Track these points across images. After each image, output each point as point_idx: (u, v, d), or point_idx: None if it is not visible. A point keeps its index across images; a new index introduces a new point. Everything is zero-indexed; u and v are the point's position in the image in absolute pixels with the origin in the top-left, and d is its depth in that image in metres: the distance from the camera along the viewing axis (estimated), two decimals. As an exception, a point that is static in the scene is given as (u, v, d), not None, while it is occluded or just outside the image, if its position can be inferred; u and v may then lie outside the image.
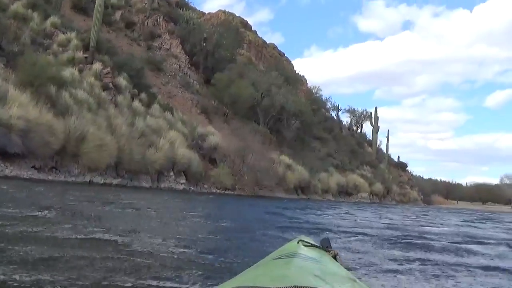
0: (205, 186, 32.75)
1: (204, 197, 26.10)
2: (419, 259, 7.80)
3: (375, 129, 77.64)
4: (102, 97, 28.97)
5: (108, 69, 31.83)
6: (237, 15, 76.63)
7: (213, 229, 10.21)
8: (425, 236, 12.24)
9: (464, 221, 24.56)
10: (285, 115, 51.21)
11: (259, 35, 79.12)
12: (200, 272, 5.20)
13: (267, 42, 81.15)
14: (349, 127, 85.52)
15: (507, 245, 11.36)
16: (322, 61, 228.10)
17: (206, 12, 72.18)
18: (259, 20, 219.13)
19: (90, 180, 23.75)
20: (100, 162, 24.13)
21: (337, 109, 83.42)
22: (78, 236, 6.88)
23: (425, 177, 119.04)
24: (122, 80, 32.70)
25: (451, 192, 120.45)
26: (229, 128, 42.78)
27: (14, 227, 6.98)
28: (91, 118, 25.20)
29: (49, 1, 35.77)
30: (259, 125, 47.93)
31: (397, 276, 6.32)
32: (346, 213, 23.30)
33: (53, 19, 33.54)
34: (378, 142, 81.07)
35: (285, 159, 43.24)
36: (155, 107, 34.26)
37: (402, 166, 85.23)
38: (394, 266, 7.05)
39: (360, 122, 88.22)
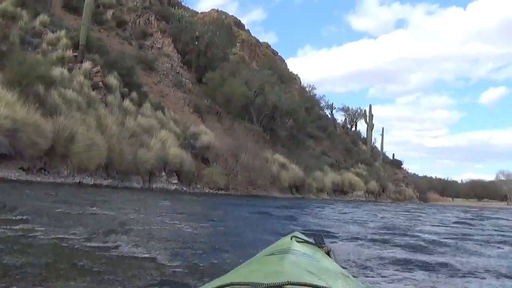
0: (198, 186, 32.28)
1: (195, 198, 25.62)
2: (418, 260, 7.49)
3: (370, 127, 77.26)
4: (92, 96, 28.44)
5: (98, 67, 31.34)
6: (230, 14, 76.29)
7: (195, 232, 9.69)
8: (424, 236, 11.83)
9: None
10: (278, 113, 50.72)
11: (252, 34, 78.79)
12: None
13: (261, 41, 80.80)
14: (344, 125, 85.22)
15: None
16: (316, 60, 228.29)
17: (199, 12, 71.76)
18: (252, 19, 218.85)
19: (80, 181, 23.29)
20: (90, 162, 23.65)
21: (331, 107, 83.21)
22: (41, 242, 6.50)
23: (420, 174, 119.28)
24: (112, 79, 32.12)
25: (446, 189, 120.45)
26: (222, 127, 42.42)
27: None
28: (81, 118, 24.71)
29: (39, 0, 35.19)
30: (252, 124, 47.52)
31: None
32: (341, 212, 22.87)
33: (43, 17, 33.16)
34: (373, 140, 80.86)
35: (279, 158, 42.87)
36: (146, 106, 33.75)
37: (397, 163, 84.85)
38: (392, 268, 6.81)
39: (354, 120, 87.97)
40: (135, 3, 51.67)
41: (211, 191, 32.45)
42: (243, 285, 1.51)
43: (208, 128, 37.28)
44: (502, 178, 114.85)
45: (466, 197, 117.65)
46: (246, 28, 78.89)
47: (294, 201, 33.89)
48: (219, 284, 1.55)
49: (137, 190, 25.66)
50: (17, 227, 7.44)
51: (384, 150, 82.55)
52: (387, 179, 69.70)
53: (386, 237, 10.57)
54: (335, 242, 9.20)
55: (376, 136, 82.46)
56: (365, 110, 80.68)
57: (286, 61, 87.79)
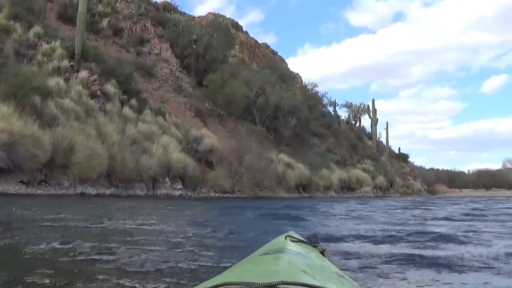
0: (203, 190, 31.79)
1: (201, 203, 25.19)
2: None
3: (374, 122, 76.83)
4: (90, 105, 28.06)
5: (95, 76, 30.93)
6: (227, 17, 75.88)
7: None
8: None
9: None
10: (281, 113, 50.34)
11: (251, 35, 78.46)
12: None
13: (260, 42, 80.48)
14: (348, 122, 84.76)
15: None
16: (316, 58, 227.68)
17: (196, 16, 71.32)
18: (250, 21, 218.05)
19: (82, 192, 22.84)
20: (92, 172, 23.21)
21: (334, 104, 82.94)
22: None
23: (427, 167, 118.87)
24: (110, 87, 31.71)
25: (453, 180, 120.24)
26: (224, 130, 42.04)
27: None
28: (80, 127, 24.30)
29: (32, 12, 34.81)
30: (255, 124, 47.15)
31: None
32: (353, 210, 22.32)
33: (36, 29, 32.79)
34: (378, 135, 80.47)
35: (284, 157, 42.47)
36: (147, 112, 33.31)
37: (403, 157, 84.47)
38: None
39: (358, 116, 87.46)
40: (131, 10, 51.41)
41: (216, 194, 31.97)
42: (237, 285, 1.48)
43: (210, 131, 36.89)
44: (509, 166, 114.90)
45: (474, 187, 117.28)
46: (244, 29, 78.57)
47: (301, 200, 33.43)
48: (213, 284, 1.54)
49: (141, 198, 25.24)
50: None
51: (389, 144, 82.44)
52: (394, 174, 69.43)
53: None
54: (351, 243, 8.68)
55: (380, 131, 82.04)
56: (368, 105, 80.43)
57: (286, 60, 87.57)
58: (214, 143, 34.28)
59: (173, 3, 62.09)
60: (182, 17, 55.55)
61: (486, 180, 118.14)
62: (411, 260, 6.55)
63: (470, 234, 10.03)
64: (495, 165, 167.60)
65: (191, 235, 9.49)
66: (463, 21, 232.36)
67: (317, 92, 79.16)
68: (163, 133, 31.36)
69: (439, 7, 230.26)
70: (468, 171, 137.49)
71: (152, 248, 7.32)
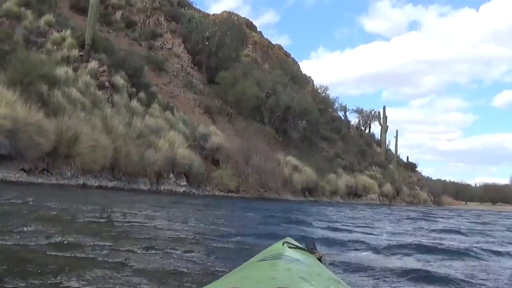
0: (207, 188, 31.46)
1: (203, 200, 24.79)
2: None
3: (384, 129, 76.36)
4: (97, 96, 27.68)
5: (105, 67, 30.60)
6: (242, 16, 75.49)
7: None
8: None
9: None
10: (291, 114, 49.90)
11: (265, 36, 78.08)
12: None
13: (273, 43, 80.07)
14: (357, 127, 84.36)
15: None
16: (329, 62, 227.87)
17: (211, 14, 70.89)
18: (265, 22, 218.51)
19: (83, 183, 22.50)
20: (95, 163, 22.88)
21: (344, 109, 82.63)
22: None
23: (434, 178, 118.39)
24: (119, 79, 31.34)
25: (460, 192, 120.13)
26: (233, 128, 41.74)
27: None
28: (85, 118, 23.96)
29: (44, 0, 34.48)
30: (264, 125, 46.73)
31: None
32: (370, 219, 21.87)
33: (48, 17, 32.49)
34: (387, 143, 79.93)
35: (292, 160, 42.06)
36: (155, 106, 32.94)
37: (411, 166, 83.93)
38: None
39: (368, 122, 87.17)
40: (145, 3, 51.02)
41: (221, 193, 31.63)
42: None
43: (219, 129, 36.55)
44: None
45: (480, 201, 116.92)
46: (258, 30, 78.19)
47: (307, 204, 33.12)
48: None
49: (144, 193, 24.88)
50: None
51: (398, 153, 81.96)
52: (402, 182, 68.91)
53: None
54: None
55: (390, 139, 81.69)
56: (379, 112, 79.92)
57: (299, 63, 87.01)
58: (221, 141, 33.97)
59: (188, -1, 61.73)
60: (196, 13, 55.18)
61: (493, 195, 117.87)
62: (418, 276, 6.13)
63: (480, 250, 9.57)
64: (503, 180, 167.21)
65: (192, 236, 9.04)
66: (478, 33, 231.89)
67: (328, 96, 78.80)
68: (170, 128, 30.96)
69: (454, 18, 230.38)
70: (475, 184, 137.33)
71: (150, 246, 6.89)
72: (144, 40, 46.96)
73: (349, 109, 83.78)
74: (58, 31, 32.06)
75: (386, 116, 76.75)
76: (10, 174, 19.56)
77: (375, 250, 8.43)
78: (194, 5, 62.27)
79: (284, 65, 68.38)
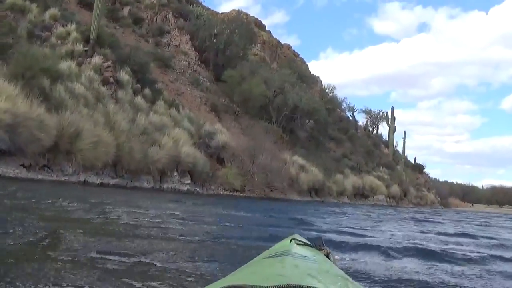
0: (212, 187, 31.05)
1: (208, 199, 24.36)
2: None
3: (392, 130, 75.99)
4: (101, 92, 27.26)
5: (109, 62, 30.15)
6: (251, 15, 75.22)
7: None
8: None
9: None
10: (298, 114, 49.50)
11: (273, 35, 77.82)
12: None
13: (282, 43, 79.78)
14: (365, 128, 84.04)
15: None
16: (338, 63, 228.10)
17: (220, 12, 70.51)
18: (275, 22, 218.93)
19: (85, 180, 22.08)
20: (97, 160, 22.44)
21: (352, 109, 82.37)
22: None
23: (441, 179, 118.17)
24: (124, 75, 30.89)
25: (467, 194, 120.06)
26: (239, 127, 41.37)
27: None
28: (88, 114, 23.53)
29: (50, -6, 34.16)
30: (271, 124, 46.32)
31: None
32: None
33: (53, 11, 32.09)
34: (395, 144, 79.55)
35: (298, 159, 41.62)
36: (160, 103, 32.52)
37: (419, 168, 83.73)
38: None
39: (376, 123, 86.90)
40: (153, 0, 50.67)
41: (225, 192, 31.25)
42: (242, 287, 1.51)
43: (225, 128, 36.13)
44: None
45: (487, 203, 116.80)
46: (267, 29, 77.94)
47: (314, 205, 32.70)
48: (218, 287, 1.56)
49: (147, 191, 24.44)
50: None
51: (405, 154, 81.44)
52: (409, 184, 68.64)
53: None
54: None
55: (398, 140, 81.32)
56: (387, 113, 79.64)
57: (308, 63, 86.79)
58: (227, 139, 33.59)
59: (197, -4, 61.35)
60: (204, 11, 54.84)
61: (500, 197, 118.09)
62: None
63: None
64: (511, 183, 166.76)
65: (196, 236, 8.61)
66: (487, 36, 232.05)
67: (336, 96, 78.48)
68: (175, 126, 30.53)
69: (464, 20, 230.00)
70: (482, 186, 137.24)
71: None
72: (151, 37, 46.67)
73: (357, 110, 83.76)
74: (63, 26, 31.67)
75: (394, 117, 76.45)
76: (9, 169, 19.17)
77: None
78: (202, 2, 61.88)
79: (293, 64, 68.16)
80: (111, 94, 28.38)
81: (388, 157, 73.34)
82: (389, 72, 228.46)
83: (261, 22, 77.01)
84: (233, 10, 71.36)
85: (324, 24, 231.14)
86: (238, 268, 2.06)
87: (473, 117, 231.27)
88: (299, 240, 2.36)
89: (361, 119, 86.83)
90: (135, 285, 4.37)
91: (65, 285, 4.09)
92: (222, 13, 68.33)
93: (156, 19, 49.58)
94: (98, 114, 24.30)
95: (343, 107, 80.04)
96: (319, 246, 2.42)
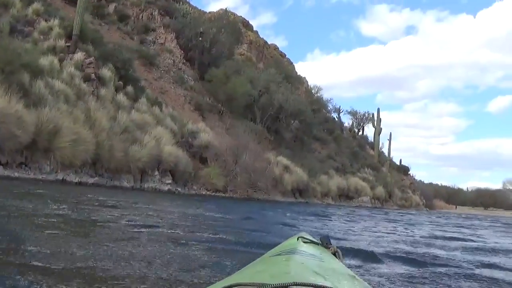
0: (194, 187, 30.62)
1: (189, 200, 23.98)
2: None
3: (378, 131, 75.94)
4: (82, 89, 26.72)
5: (92, 59, 29.67)
6: (238, 15, 75.03)
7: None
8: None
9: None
10: (283, 114, 49.23)
11: (261, 36, 77.74)
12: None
13: (269, 43, 79.66)
14: (351, 129, 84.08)
15: None
16: (325, 64, 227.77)
17: (207, 12, 70.12)
18: (263, 23, 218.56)
19: (63, 178, 21.63)
20: (76, 158, 21.98)
21: (338, 110, 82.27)
22: None
23: (426, 181, 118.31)
24: (106, 72, 30.35)
25: (452, 197, 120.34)
26: (223, 127, 41.00)
27: None
28: (68, 111, 23.06)
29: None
30: (256, 124, 46.02)
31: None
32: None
33: (36, 5, 31.68)
34: (380, 145, 79.52)
35: (283, 160, 41.28)
36: (142, 101, 32.02)
37: (404, 170, 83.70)
38: None
39: (361, 125, 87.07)
40: (139, -3, 50.37)
41: (208, 192, 30.81)
42: (249, 285, 1.47)
43: (208, 127, 35.78)
44: (509, 187, 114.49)
45: (472, 205, 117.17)
46: (254, 29, 77.80)
47: (298, 206, 32.43)
48: (225, 285, 1.52)
49: (127, 190, 24.01)
50: None
51: (391, 156, 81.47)
52: (394, 185, 68.55)
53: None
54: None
55: (383, 141, 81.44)
56: (373, 114, 79.51)
57: (295, 64, 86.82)
58: (210, 138, 33.26)
59: (184, -5, 61.00)
60: (190, 9, 54.50)
61: (485, 199, 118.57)
62: None
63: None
64: (495, 185, 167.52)
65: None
66: (474, 39, 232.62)
67: (322, 97, 78.42)
68: (158, 124, 30.06)
69: (451, 23, 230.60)
70: (467, 188, 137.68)
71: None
72: (137, 34, 46.33)
73: (342, 111, 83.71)
74: (46, 21, 31.24)
75: (380, 119, 76.39)
76: (-16, 167, 18.77)
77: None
78: (189, 1, 61.52)
79: (279, 65, 68.02)
80: (93, 91, 27.86)
81: (373, 158, 73.35)
82: (375, 74, 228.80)
83: (248, 22, 77.00)
84: (221, 9, 71.13)
85: (311, 26, 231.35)
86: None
87: (458, 120, 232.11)
88: (306, 238, 2.45)
89: (347, 120, 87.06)
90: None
91: None
92: (209, 13, 68.03)
93: (142, 17, 49.27)
94: (78, 111, 23.81)
95: (329, 108, 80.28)
96: (326, 244, 2.45)
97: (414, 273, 6.61)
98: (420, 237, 13.68)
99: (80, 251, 5.86)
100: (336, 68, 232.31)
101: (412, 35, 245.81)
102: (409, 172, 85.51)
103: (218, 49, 50.49)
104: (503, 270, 7.63)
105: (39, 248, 5.66)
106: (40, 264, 4.87)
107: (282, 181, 39.14)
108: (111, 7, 46.97)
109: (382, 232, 14.56)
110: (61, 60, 27.87)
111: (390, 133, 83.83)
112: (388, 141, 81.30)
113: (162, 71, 43.22)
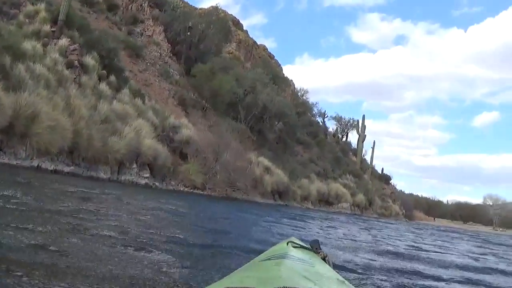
0: (172, 182, 30.09)
1: (164, 195, 23.54)
2: None
3: (362, 138, 75.94)
4: (64, 75, 26.11)
5: (76, 45, 29.13)
6: (229, 13, 74.67)
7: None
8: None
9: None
10: (267, 114, 48.88)
11: (250, 36, 77.50)
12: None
13: (258, 44, 79.45)
14: (334, 134, 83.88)
15: None
16: (313, 69, 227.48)
17: (199, 8, 69.69)
18: (253, 24, 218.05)
19: (38, 165, 21.03)
20: (52, 145, 21.41)
21: (323, 115, 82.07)
22: None
23: (406, 191, 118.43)
24: (90, 59, 29.77)
25: (432, 208, 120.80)
26: (206, 123, 40.54)
27: None
28: (47, 97, 22.50)
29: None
30: (239, 122, 45.60)
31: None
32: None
33: (23, -13, 31.12)
34: (363, 152, 79.43)
35: (264, 161, 40.92)
36: (125, 92, 31.41)
37: (386, 178, 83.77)
38: None
39: (346, 131, 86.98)
40: (129, -13, 49.83)
41: (186, 189, 30.33)
42: None
43: (191, 123, 35.34)
44: (489, 202, 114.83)
45: (451, 218, 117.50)
46: (244, 29, 77.53)
47: (277, 208, 32.11)
48: None
49: (103, 181, 23.50)
50: None
51: (373, 164, 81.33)
52: (375, 193, 68.35)
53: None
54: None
55: (366, 149, 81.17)
56: (358, 121, 79.67)
57: (283, 67, 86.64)
58: (192, 134, 32.81)
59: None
60: (181, 3, 54.06)
61: (464, 213, 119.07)
62: None
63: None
64: (475, 200, 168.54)
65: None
66: (463, 53, 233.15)
67: (308, 100, 78.28)
68: (139, 117, 29.51)
69: (442, 36, 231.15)
70: (447, 201, 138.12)
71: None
72: (125, 25, 45.73)
73: (327, 116, 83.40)
74: (32, 4, 30.73)
75: (365, 126, 76.52)
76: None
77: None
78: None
79: (267, 65, 67.78)
80: (75, 78, 27.26)
81: (355, 165, 73.21)
82: (363, 82, 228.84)
83: (238, 21, 76.81)
84: (212, 6, 70.75)
85: (302, 30, 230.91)
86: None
87: (442, 132, 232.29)
88: (296, 243, 2.48)
89: (331, 126, 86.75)
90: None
91: None
92: (200, 9, 67.61)
93: (131, 7, 48.65)
94: (58, 98, 23.24)
95: (314, 112, 79.91)
96: (316, 249, 2.50)
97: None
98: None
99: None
100: (324, 73, 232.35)
101: (401, 45, 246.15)
102: (390, 181, 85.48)
103: (206, 45, 50.09)
104: None
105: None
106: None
107: (262, 182, 38.79)
108: (101, -4, 46.46)
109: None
110: (45, 45, 27.35)
111: (374, 141, 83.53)
112: (371, 149, 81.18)
113: (148, 64, 42.72)
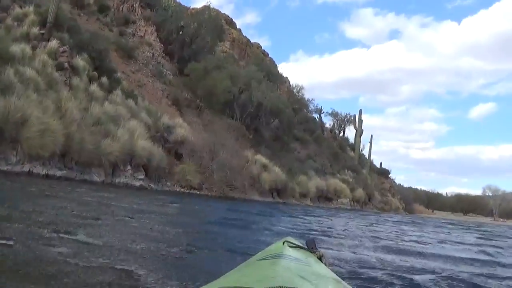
0: (168, 183, 29.70)
1: (160, 196, 23.17)
2: None
3: (359, 133, 75.66)
4: (54, 78, 25.68)
5: (66, 47, 28.72)
6: (222, 12, 74.42)
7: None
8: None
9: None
10: (263, 112, 48.51)
11: (244, 34, 77.29)
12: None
13: (252, 42, 79.20)
14: (331, 130, 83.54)
15: None
16: (308, 66, 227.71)
17: (191, 7, 69.34)
18: (247, 22, 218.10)
19: (29, 170, 20.61)
20: (43, 149, 21.00)
21: (319, 111, 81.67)
22: None
23: (406, 185, 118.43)
24: (80, 61, 29.34)
25: (431, 201, 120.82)
26: (201, 123, 40.23)
27: None
28: (37, 100, 22.08)
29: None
30: (235, 121, 45.27)
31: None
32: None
33: (11, -10, 30.78)
34: (361, 147, 79.18)
35: (261, 158, 40.54)
36: (117, 93, 30.98)
37: (384, 173, 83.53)
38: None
39: (343, 126, 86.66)
40: (120, -12, 49.46)
41: (182, 190, 29.93)
42: None
43: (185, 122, 34.98)
44: (489, 193, 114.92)
45: (451, 211, 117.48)
46: (238, 27, 77.32)
47: (276, 206, 31.76)
48: None
49: (97, 185, 23.08)
50: None
51: (371, 158, 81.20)
52: (374, 188, 68.18)
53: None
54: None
55: (364, 144, 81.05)
56: (354, 115, 79.31)
57: (278, 65, 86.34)
58: (187, 134, 32.46)
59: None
60: (172, 2, 53.67)
61: (464, 205, 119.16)
62: None
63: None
64: (474, 191, 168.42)
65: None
66: (458, 45, 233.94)
67: (304, 96, 78.05)
68: (132, 118, 29.10)
69: (435, 29, 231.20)
70: (446, 193, 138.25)
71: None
72: (116, 26, 45.34)
73: (324, 112, 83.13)
74: (21, 7, 30.38)
75: (362, 120, 76.20)
76: None
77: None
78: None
79: (261, 63, 67.54)
80: (65, 80, 26.89)
81: (353, 160, 72.94)
82: (358, 77, 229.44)
83: (232, 19, 76.53)
84: (204, 6, 70.42)
85: (296, 27, 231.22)
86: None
87: (439, 125, 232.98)
88: (292, 243, 2.42)
89: (328, 122, 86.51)
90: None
91: None
92: (193, 9, 67.27)
93: (122, 8, 48.28)
94: (48, 101, 22.85)
95: (310, 108, 79.74)
96: (312, 248, 2.44)
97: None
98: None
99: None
100: (319, 69, 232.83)
101: (396, 40, 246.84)
102: (389, 176, 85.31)
103: (199, 44, 49.73)
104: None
105: None
106: None
107: (260, 180, 38.46)
108: (91, -2, 46.09)
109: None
110: (34, 48, 26.96)
111: (371, 135, 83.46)
112: (369, 144, 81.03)
113: (141, 64, 42.37)
